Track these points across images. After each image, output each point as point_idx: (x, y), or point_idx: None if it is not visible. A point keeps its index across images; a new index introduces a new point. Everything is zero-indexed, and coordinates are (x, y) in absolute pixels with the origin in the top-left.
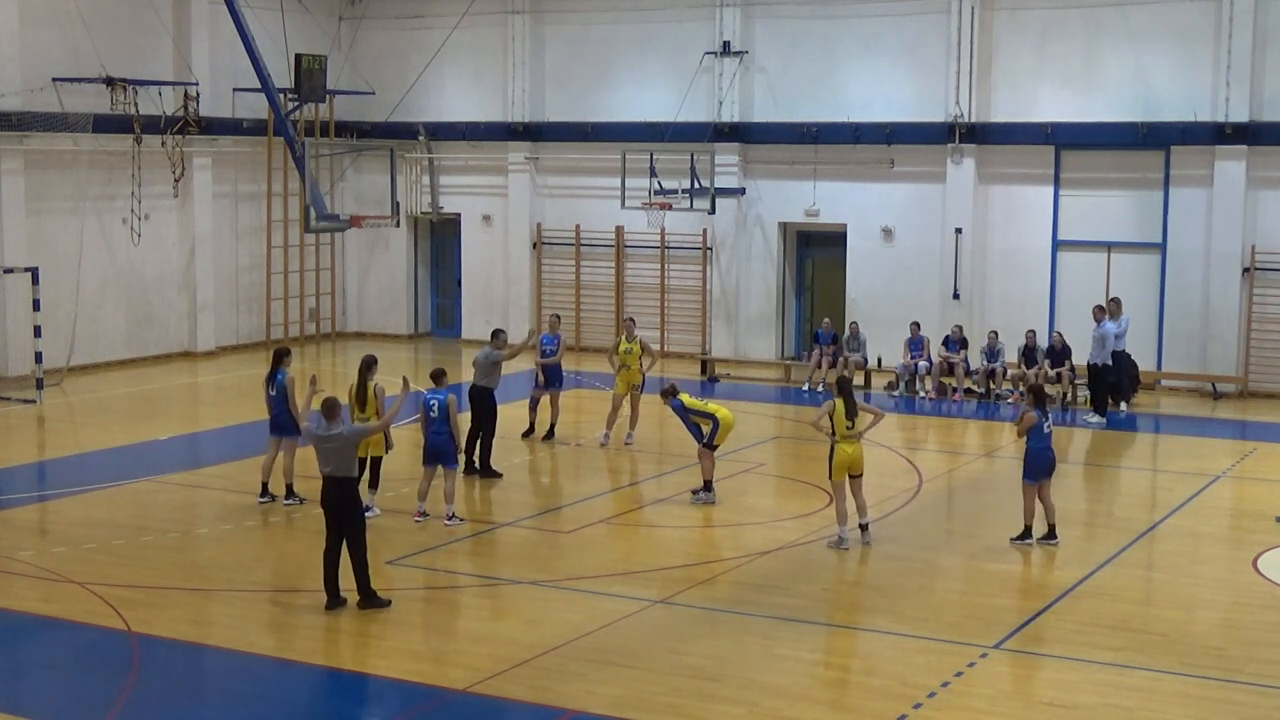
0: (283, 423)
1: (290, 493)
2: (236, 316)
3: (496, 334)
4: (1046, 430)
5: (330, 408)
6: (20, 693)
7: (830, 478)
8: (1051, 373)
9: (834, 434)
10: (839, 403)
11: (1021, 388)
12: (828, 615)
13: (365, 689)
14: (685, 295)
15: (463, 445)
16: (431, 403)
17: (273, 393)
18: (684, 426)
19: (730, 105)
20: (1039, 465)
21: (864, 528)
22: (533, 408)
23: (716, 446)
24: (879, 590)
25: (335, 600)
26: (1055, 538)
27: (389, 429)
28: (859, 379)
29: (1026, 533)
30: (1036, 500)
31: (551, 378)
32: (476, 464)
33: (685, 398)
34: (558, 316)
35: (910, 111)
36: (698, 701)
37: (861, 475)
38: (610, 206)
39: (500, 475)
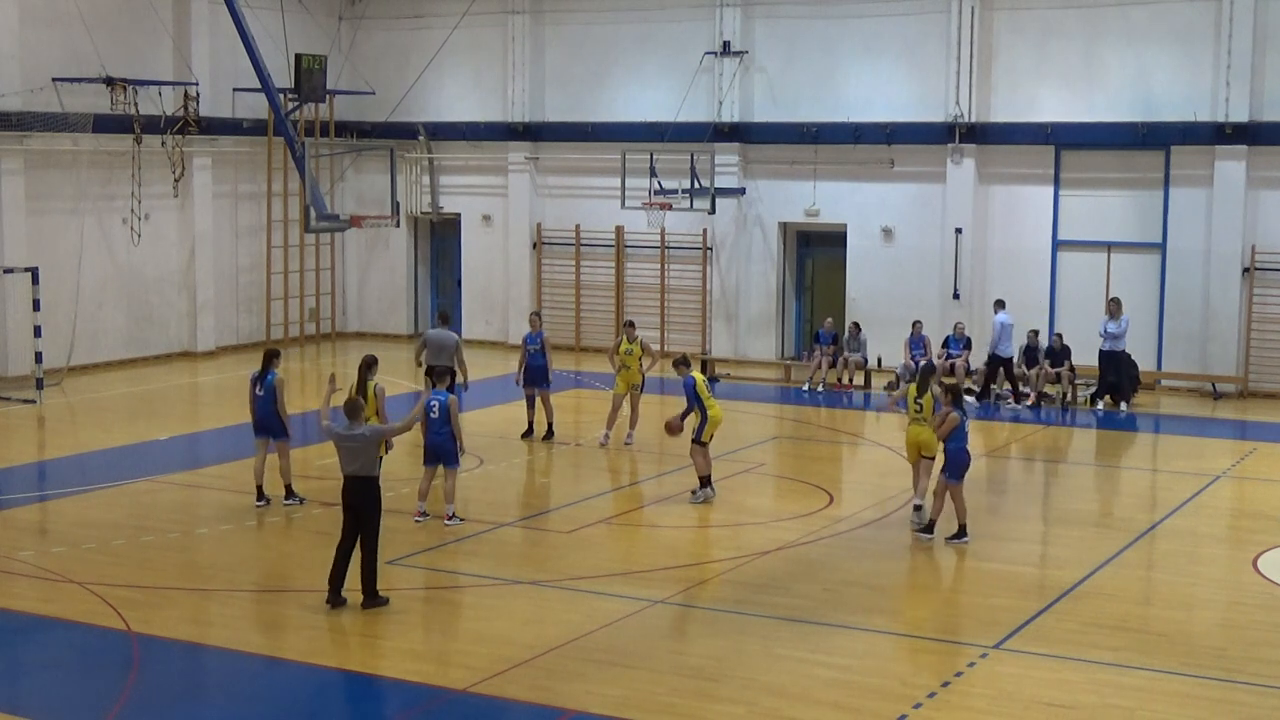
0: (271, 424)
1: (290, 493)
2: (236, 316)
3: (446, 317)
4: (965, 430)
5: (353, 408)
6: (20, 693)
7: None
8: (1051, 372)
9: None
10: (912, 386)
11: (1023, 388)
12: (828, 615)
13: (365, 689)
14: (685, 295)
15: (464, 445)
16: (432, 403)
17: (260, 393)
18: (683, 407)
19: (730, 105)
20: (962, 464)
21: (917, 508)
22: (530, 406)
23: (706, 444)
24: (879, 590)
25: (337, 599)
26: (966, 536)
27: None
28: (859, 379)
29: (962, 531)
30: (949, 498)
31: (536, 376)
32: None
33: (699, 378)
34: (538, 314)
35: (910, 111)
36: (698, 701)
37: (933, 458)
38: (610, 206)
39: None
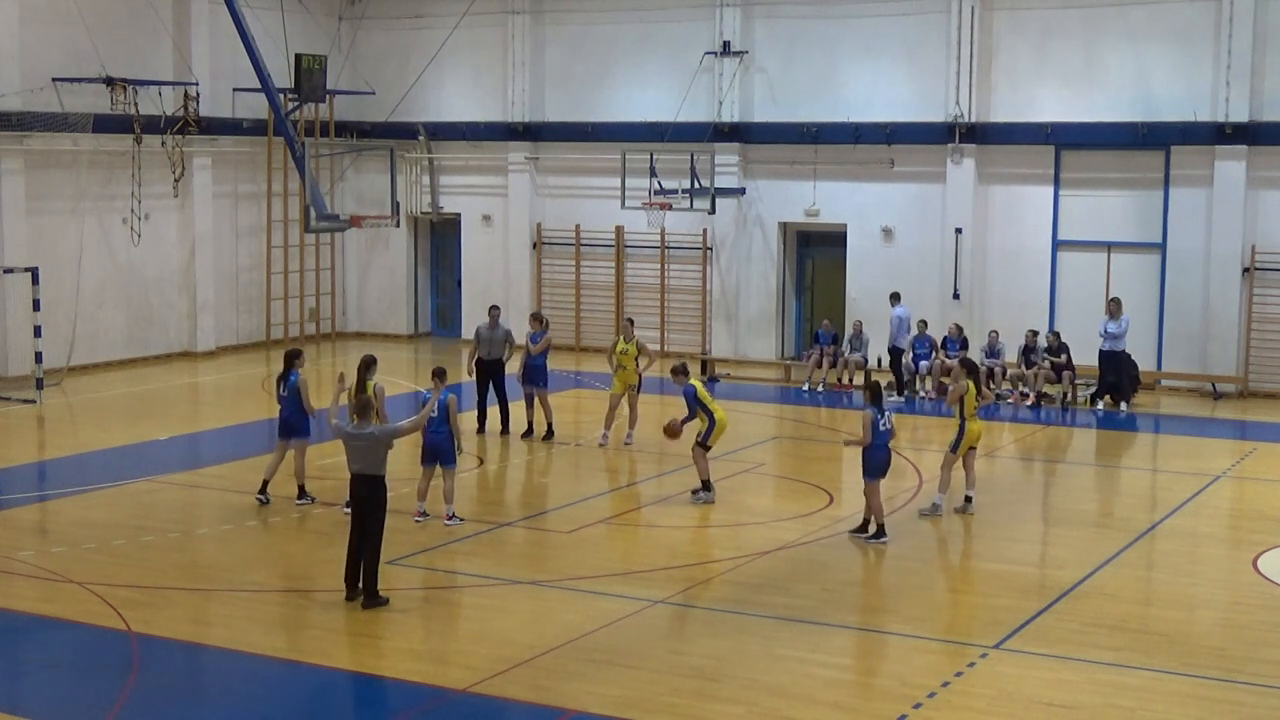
0: (295, 424)
1: (302, 492)
2: (236, 316)
3: (494, 308)
4: (883, 429)
5: (364, 406)
6: (20, 693)
7: (952, 451)
8: (1051, 372)
9: (963, 415)
10: (970, 384)
11: (1022, 388)
12: (828, 615)
13: (365, 689)
14: (685, 295)
15: (462, 445)
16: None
17: (284, 394)
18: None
19: (730, 105)
20: (877, 463)
21: (969, 499)
22: (528, 405)
23: (710, 447)
24: (879, 590)
25: (354, 591)
26: (868, 532)
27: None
28: (859, 379)
29: (880, 531)
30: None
31: (533, 376)
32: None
33: (699, 385)
34: (536, 315)
35: (910, 111)
36: (698, 701)
37: (975, 448)
38: (610, 206)
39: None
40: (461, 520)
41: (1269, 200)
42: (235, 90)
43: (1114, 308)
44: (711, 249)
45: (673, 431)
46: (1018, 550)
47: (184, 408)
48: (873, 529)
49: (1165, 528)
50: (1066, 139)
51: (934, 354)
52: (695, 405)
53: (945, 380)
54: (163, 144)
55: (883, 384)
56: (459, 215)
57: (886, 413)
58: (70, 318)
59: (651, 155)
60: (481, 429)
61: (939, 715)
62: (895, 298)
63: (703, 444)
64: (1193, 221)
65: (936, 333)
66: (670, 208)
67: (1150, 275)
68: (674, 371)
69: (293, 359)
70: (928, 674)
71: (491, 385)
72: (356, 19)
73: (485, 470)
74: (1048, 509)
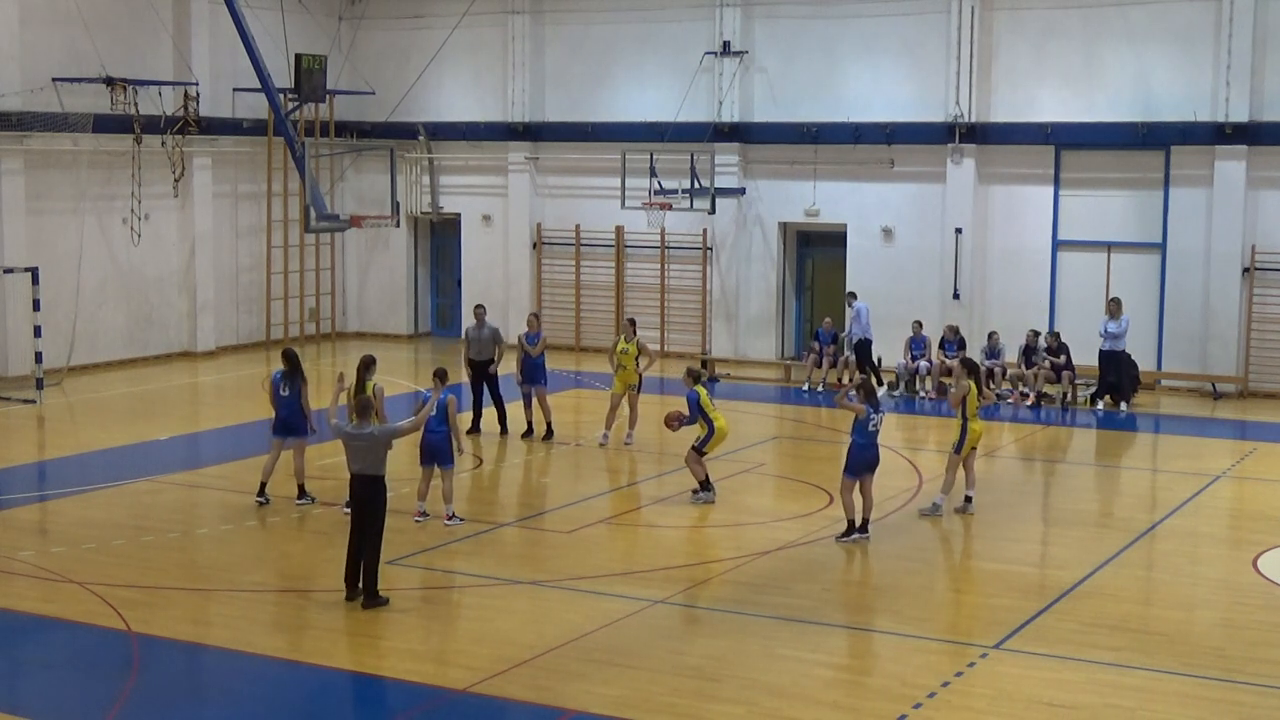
0: (294, 423)
1: (302, 492)
2: (236, 316)
3: (479, 308)
4: (872, 428)
5: (364, 406)
6: (20, 693)
7: (956, 452)
8: (1051, 372)
9: (965, 416)
10: (972, 385)
11: (1022, 388)
12: (828, 615)
13: (365, 689)
14: (685, 295)
15: (462, 446)
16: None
17: (285, 393)
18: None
19: (730, 105)
20: (860, 461)
21: (969, 499)
22: (526, 405)
23: (706, 453)
24: (879, 590)
25: (354, 592)
26: (867, 532)
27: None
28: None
29: (851, 528)
30: (856, 495)
31: (532, 375)
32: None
33: (703, 393)
34: (536, 315)
35: (910, 111)
36: (698, 701)
37: (976, 449)
38: (610, 206)
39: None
40: (461, 520)
41: (1269, 200)
42: (235, 90)
43: (1114, 308)
44: (711, 249)
45: (671, 421)
46: (1018, 550)
47: (184, 408)
48: (868, 528)
49: (1165, 528)
50: (1066, 139)
51: (926, 352)
52: (696, 412)
53: (945, 380)
54: (163, 144)
55: (874, 383)
56: (459, 215)
57: (880, 413)
58: (70, 318)
59: (651, 155)
60: (474, 428)
61: (939, 715)
62: (853, 296)
63: (698, 450)
64: (1193, 221)
65: (933, 333)
66: (670, 208)
67: (1150, 275)
68: (686, 371)
69: (297, 360)
70: (928, 674)
71: (485, 386)
72: (356, 19)
73: (485, 470)
74: (1048, 509)
